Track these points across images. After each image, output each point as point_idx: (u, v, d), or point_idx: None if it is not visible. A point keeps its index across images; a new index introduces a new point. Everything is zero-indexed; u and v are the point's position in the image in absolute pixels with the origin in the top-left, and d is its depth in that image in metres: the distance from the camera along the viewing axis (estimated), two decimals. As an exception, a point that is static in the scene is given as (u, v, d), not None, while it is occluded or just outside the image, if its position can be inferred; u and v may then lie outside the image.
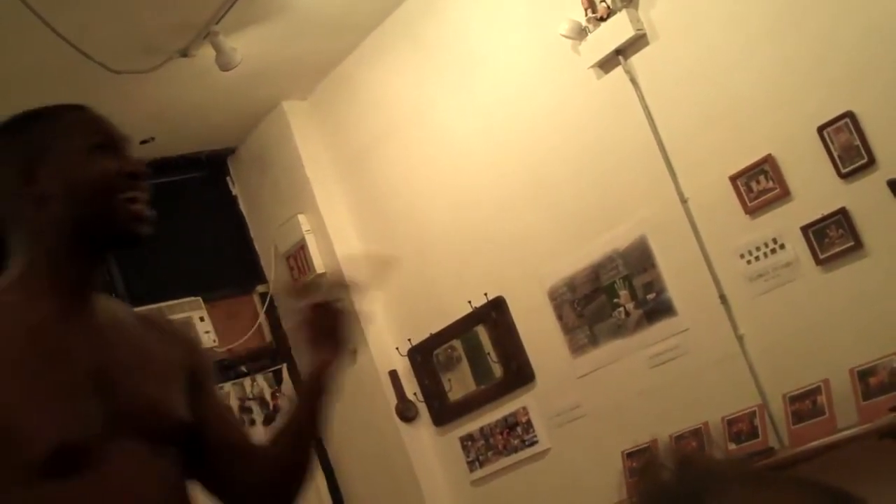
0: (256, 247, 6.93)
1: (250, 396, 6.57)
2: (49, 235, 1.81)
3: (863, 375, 4.29)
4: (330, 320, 2.14)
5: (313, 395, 2.08)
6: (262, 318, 6.81)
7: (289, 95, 6.53)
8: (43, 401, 1.70)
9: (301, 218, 6.53)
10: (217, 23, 5.25)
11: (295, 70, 6.21)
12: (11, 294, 1.79)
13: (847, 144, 4.31)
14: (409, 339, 6.08)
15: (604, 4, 4.95)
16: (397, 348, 6.15)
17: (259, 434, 6.12)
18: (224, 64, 5.37)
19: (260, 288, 6.87)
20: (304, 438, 2.06)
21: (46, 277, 1.80)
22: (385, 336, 6.26)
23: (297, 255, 6.57)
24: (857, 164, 4.29)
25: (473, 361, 5.87)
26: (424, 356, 6.07)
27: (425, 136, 5.99)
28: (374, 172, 6.33)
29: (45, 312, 1.78)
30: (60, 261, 1.81)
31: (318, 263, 6.46)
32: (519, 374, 5.63)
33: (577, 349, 5.30)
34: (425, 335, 6.02)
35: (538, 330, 5.51)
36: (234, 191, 7.01)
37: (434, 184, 5.97)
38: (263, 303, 6.83)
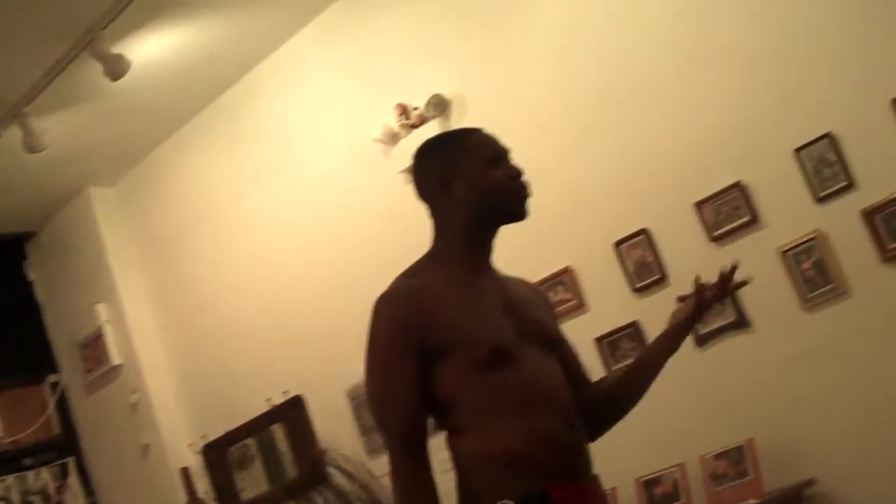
0: (51, 335, 6.72)
1: (33, 490, 6.30)
2: (462, 224, 2.58)
3: (648, 485, 4.43)
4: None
5: (673, 343, 2.74)
6: (51, 409, 6.58)
7: (96, 181, 6.43)
8: (480, 320, 2.48)
9: (100, 307, 6.38)
10: (28, 104, 5.14)
11: (105, 155, 6.14)
12: (437, 262, 2.60)
13: (641, 260, 4.50)
14: (204, 436, 5.95)
15: (417, 112, 5.08)
16: (191, 444, 6.01)
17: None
18: (32, 146, 5.24)
19: (51, 378, 6.65)
20: (651, 377, 2.74)
21: (461, 250, 2.58)
22: (179, 431, 6.13)
23: (94, 346, 6.40)
24: (650, 280, 4.48)
25: (268, 460, 5.78)
26: (219, 453, 5.94)
27: (236, 228, 5.98)
28: (181, 263, 6.25)
29: (465, 270, 2.57)
30: (470, 240, 2.59)
31: (115, 354, 6.32)
32: (314, 474, 5.57)
33: (373, 451, 5.30)
34: (221, 432, 5.90)
35: (336, 430, 5.48)
36: (31, 276, 6.80)
37: (241, 277, 5.94)
38: (54, 393, 6.60)
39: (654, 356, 2.76)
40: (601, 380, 2.80)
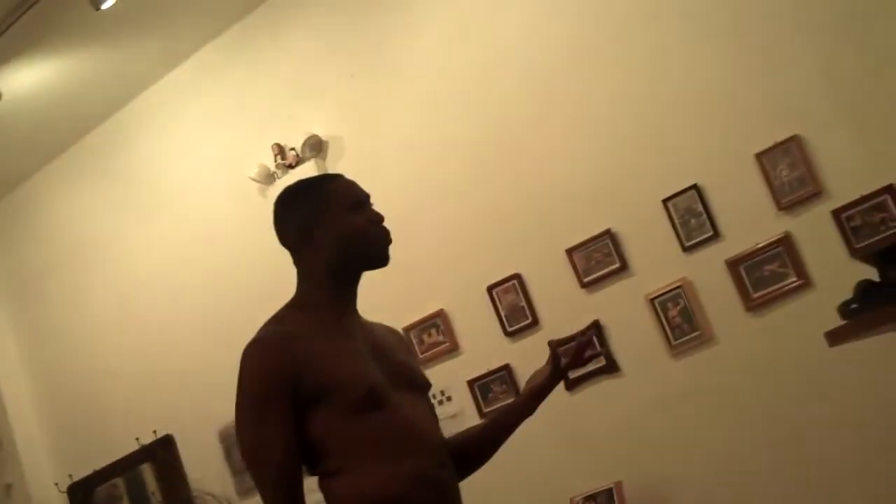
0: None
1: None
2: (325, 271, 2.58)
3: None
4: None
5: (530, 407, 2.72)
6: None
7: (-37, 213, 6.28)
8: (352, 364, 2.49)
9: (-37, 340, 6.21)
10: None
11: (-29, 188, 6.00)
12: (302, 308, 2.58)
13: (514, 305, 4.56)
14: (71, 475, 5.82)
15: (293, 153, 5.08)
16: (56, 484, 5.86)
17: None
18: None
19: None
20: (503, 439, 2.75)
21: (325, 297, 2.58)
22: (44, 470, 5.98)
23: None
24: (522, 324, 4.55)
25: (136, 500, 5.68)
26: (85, 493, 5.82)
27: (106, 266, 5.89)
28: (49, 299, 6.13)
29: (330, 316, 2.57)
30: (333, 286, 2.59)
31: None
32: (183, 514, 5.50)
33: (244, 491, 5.25)
34: (89, 471, 5.78)
35: (206, 470, 5.42)
36: None
37: (112, 315, 5.84)
38: None
39: (508, 419, 2.75)
40: (456, 435, 2.76)
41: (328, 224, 2.57)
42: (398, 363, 2.61)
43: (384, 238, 2.63)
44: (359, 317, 2.68)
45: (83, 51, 5.11)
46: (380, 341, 2.64)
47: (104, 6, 4.37)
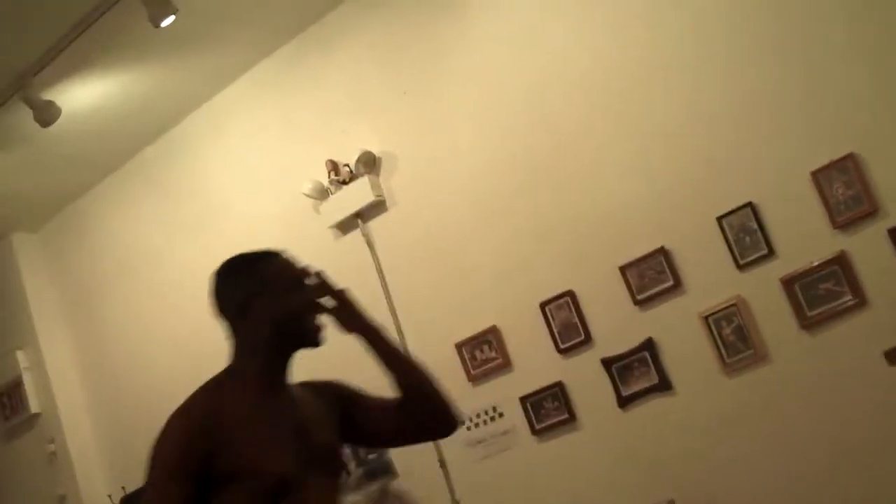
0: (-34, 381, 6.60)
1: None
2: (258, 348, 2.59)
3: (569, 544, 4.47)
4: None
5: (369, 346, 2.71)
6: (-40, 458, 6.45)
7: (18, 227, 6.37)
8: (269, 449, 2.49)
9: (19, 354, 6.28)
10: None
11: (29, 201, 6.09)
12: (233, 381, 2.57)
13: (566, 322, 4.56)
14: (124, 487, 5.87)
15: (347, 169, 5.12)
16: (110, 495, 5.92)
17: None
18: (-45, 190, 5.19)
19: (-34, 425, 6.52)
20: (393, 362, 2.72)
21: (257, 372, 2.58)
22: (98, 482, 6.04)
23: (11, 393, 6.29)
24: (574, 341, 4.55)
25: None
26: (137, 506, 5.87)
27: (160, 278, 5.94)
28: (104, 312, 6.20)
29: (260, 391, 2.56)
30: (266, 362, 2.59)
31: (33, 403, 6.22)
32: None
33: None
34: (141, 483, 5.81)
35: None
36: (-52, 320, 6.68)
37: (166, 328, 5.90)
38: (-34, 440, 6.48)
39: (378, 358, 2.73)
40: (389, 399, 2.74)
41: (263, 303, 2.60)
42: (318, 445, 2.59)
43: (318, 320, 2.64)
44: (290, 390, 2.67)
45: (140, 68, 5.18)
46: (306, 418, 2.62)
47: (163, 24, 4.42)
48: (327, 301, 2.67)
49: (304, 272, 2.68)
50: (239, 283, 2.66)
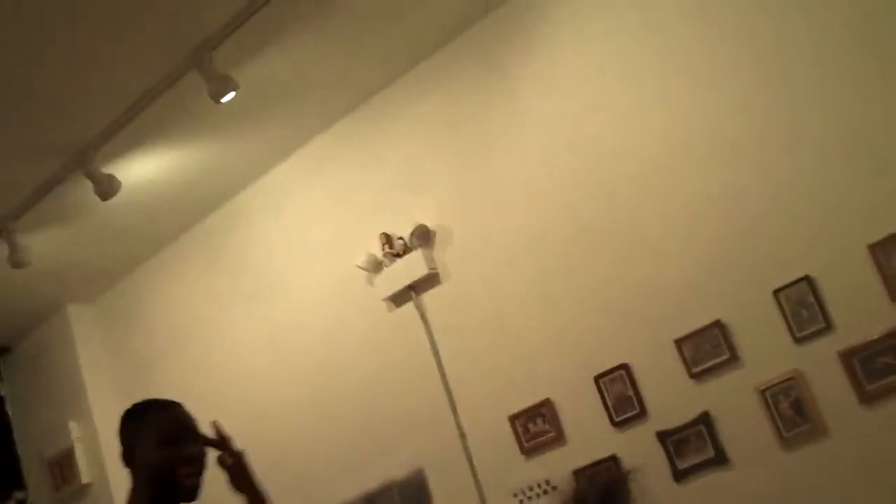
0: (20, 450, 6.65)
1: None
2: (143, 494, 2.67)
3: None
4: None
5: None
6: (17, 526, 6.48)
7: (75, 298, 6.45)
8: None
9: (72, 424, 6.33)
10: (17, 219, 5.19)
11: (86, 273, 6.17)
12: None
13: (621, 395, 4.55)
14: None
15: (401, 242, 5.16)
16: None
17: None
18: (17, 262, 5.26)
19: (18, 494, 6.56)
20: None
21: None
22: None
23: (63, 463, 6.33)
24: (629, 414, 4.53)
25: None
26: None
27: (214, 352, 5.99)
28: (157, 384, 6.22)
29: None
30: None
31: (84, 473, 6.25)
32: None
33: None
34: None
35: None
36: (2, 391, 6.74)
37: (218, 400, 5.90)
38: (19, 510, 6.51)
39: None
40: None
41: (142, 452, 2.70)
42: None
43: (192, 479, 2.69)
44: None
45: (198, 142, 5.27)
46: None
47: (224, 99, 4.50)
48: (225, 458, 2.85)
49: (182, 429, 2.75)
50: (130, 430, 2.78)
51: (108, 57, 4.38)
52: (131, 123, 4.81)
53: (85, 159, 4.91)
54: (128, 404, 6.69)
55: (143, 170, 5.29)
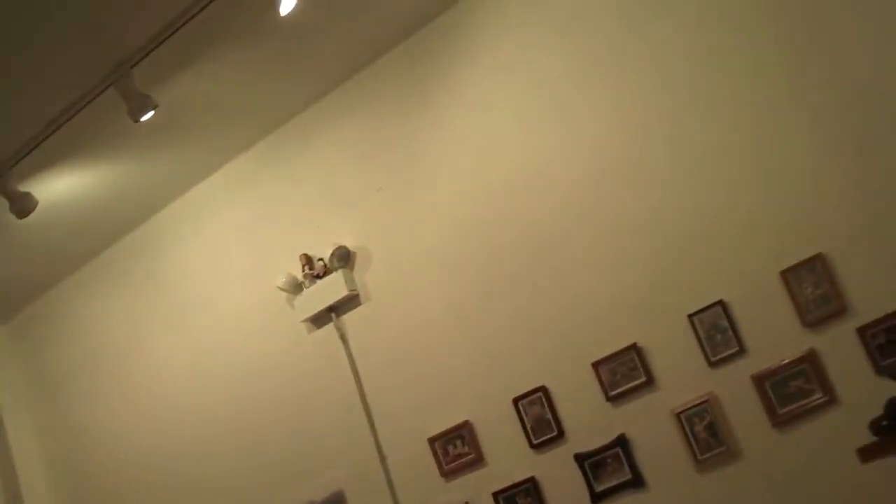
0: (-72, 473, 6.50)
1: None
2: None
3: None
4: None
5: None
6: (-75, 551, 6.33)
7: (-13, 318, 6.35)
8: None
9: (-15, 445, 6.22)
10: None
11: (0, 291, 6.05)
12: None
13: (539, 417, 4.58)
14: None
15: (321, 263, 5.15)
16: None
17: None
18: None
19: (-73, 520, 6.42)
20: None
21: None
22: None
23: (-25, 485, 6.21)
24: (547, 436, 4.55)
25: None
26: None
27: (132, 372, 5.93)
28: (74, 405, 6.16)
29: None
30: None
31: (-2, 496, 6.15)
32: None
33: None
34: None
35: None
36: (-87, 411, 6.60)
37: (137, 420, 5.87)
38: (-71, 534, 6.37)
39: None
40: None
41: None
42: None
43: None
44: None
45: (117, 160, 5.20)
46: None
47: (143, 118, 4.46)
48: None
49: None
50: None
51: (25, 73, 4.31)
52: (49, 140, 4.73)
53: (0, 177, 4.83)
54: (44, 426, 6.65)
55: (60, 187, 5.21)
